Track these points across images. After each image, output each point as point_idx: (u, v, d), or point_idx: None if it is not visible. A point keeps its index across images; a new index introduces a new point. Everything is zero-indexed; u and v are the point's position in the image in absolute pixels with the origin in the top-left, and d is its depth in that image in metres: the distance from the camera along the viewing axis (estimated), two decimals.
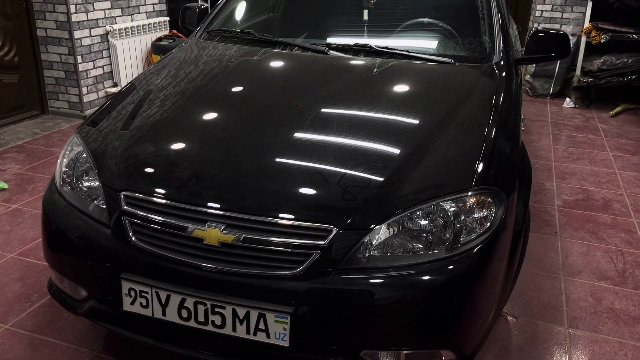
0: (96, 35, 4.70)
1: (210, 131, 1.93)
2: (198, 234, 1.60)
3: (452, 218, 1.64)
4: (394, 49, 2.43)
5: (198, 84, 2.24)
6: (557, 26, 5.96)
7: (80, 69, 4.59)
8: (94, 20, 4.63)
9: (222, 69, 2.35)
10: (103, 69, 4.84)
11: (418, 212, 1.63)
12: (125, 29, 4.91)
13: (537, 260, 2.80)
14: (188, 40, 2.74)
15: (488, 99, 2.11)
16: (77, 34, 4.49)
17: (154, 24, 5.27)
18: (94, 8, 4.61)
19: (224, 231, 1.58)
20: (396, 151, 1.80)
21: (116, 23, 4.87)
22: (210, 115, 2.03)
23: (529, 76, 5.92)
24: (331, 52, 2.46)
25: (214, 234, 1.58)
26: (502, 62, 2.42)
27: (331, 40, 2.67)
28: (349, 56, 2.44)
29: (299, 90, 2.17)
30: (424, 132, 1.89)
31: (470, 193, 1.68)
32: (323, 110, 2.00)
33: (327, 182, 1.66)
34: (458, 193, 1.67)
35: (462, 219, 1.65)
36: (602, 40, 5.18)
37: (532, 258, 2.81)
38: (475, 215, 1.68)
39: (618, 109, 5.32)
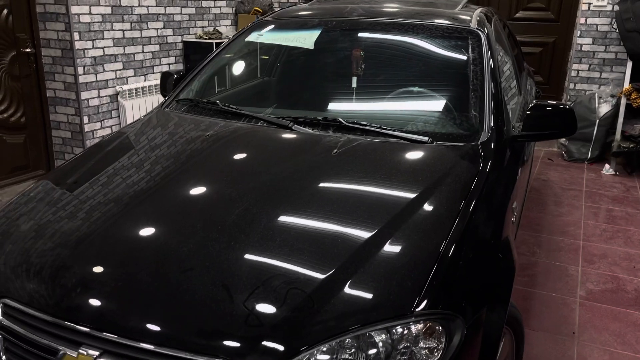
0: (105, 96, 4.66)
1: (119, 226, 1.64)
2: None
3: (382, 354, 1.29)
4: (365, 125, 2.15)
5: (132, 165, 2.00)
6: (595, 87, 5.52)
7: (87, 129, 4.55)
8: (103, 81, 4.61)
9: (165, 148, 2.11)
10: (111, 129, 4.78)
11: (339, 344, 1.29)
12: (136, 89, 4.87)
13: None
14: (152, 111, 2.56)
15: (461, 190, 1.77)
16: (84, 95, 4.47)
17: None
18: (104, 69, 4.60)
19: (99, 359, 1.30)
20: (328, 260, 1.46)
21: (127, 83, 4.84)
22: (125, 205, 1.73)
23: (564, 139, 5.47)
24: (296, 127, 2.20)
25: None
26: (490, 142, 2.08)
27: (305, 112, 2.40)
28: (316, 132, 2.16)
29: (237, 176, 1.87)
30: (367, 235, 1.54)
31: (411, 320, 1.33)
32: (254, 204, 1.68)
33: (231, 300, 1.36)
34: (395, 319, 1.32)
35: (398, 351, 1.30)
36: None
37: None
38: (421, 345, 1.33)
39: None
